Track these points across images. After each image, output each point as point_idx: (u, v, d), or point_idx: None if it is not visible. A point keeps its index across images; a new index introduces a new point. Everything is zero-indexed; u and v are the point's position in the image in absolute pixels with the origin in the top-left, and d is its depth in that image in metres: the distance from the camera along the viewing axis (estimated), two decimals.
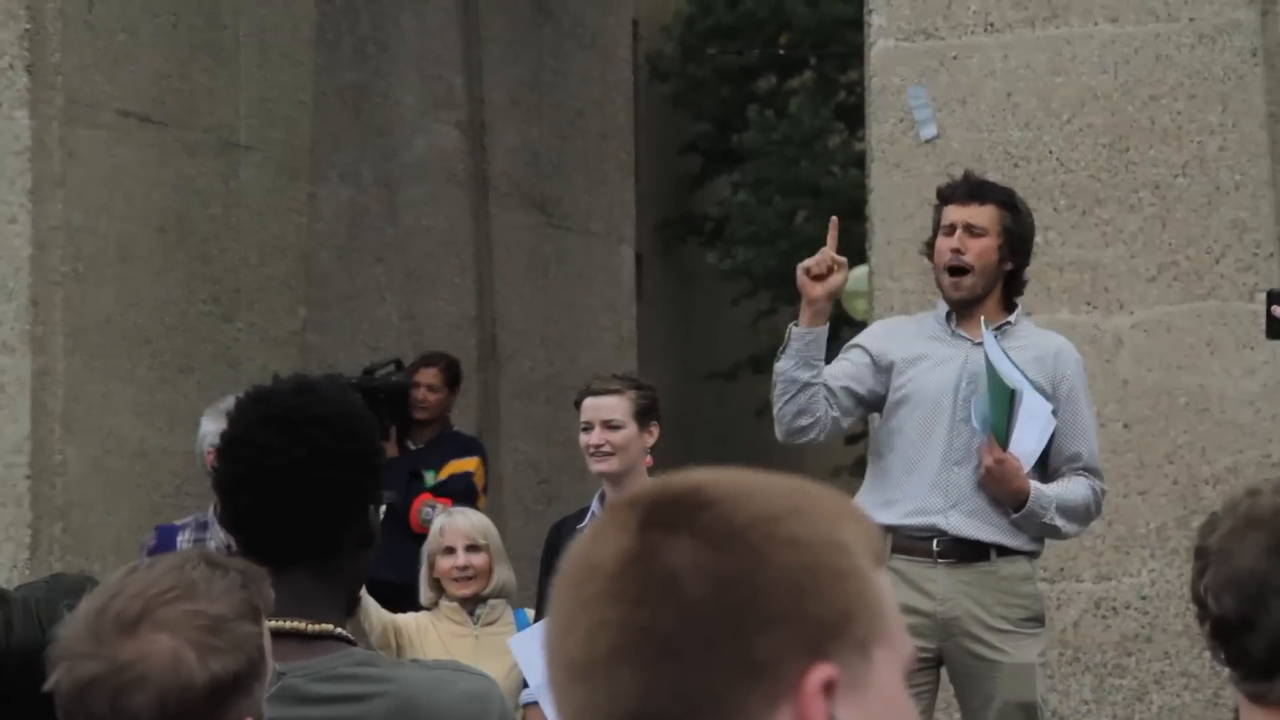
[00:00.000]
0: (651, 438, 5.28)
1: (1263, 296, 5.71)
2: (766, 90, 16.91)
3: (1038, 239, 5.85)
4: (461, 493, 7.10)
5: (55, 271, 6.73)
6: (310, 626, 2.25)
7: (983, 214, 4.77)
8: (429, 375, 7.56)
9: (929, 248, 4.86)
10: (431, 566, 5.61)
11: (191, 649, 1.84)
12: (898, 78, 5.95)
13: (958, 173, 5.86)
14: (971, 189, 4.83)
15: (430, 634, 5.55)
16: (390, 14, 9.23)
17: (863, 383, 4.81)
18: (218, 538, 5.54)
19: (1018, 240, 4.80)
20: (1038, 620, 4.74)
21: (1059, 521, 4.72)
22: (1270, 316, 4.80)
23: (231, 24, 7.59)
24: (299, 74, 8.02)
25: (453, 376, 7.63)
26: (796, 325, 4.77)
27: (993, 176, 5.88)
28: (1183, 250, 5.80)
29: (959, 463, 4.71)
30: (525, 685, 5.33)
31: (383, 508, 2.38)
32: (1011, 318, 4.81)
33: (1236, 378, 5.72)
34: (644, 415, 5.26)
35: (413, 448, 7.46)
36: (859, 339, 4.93)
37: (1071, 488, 4.76)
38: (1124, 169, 5.84)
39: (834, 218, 4.95)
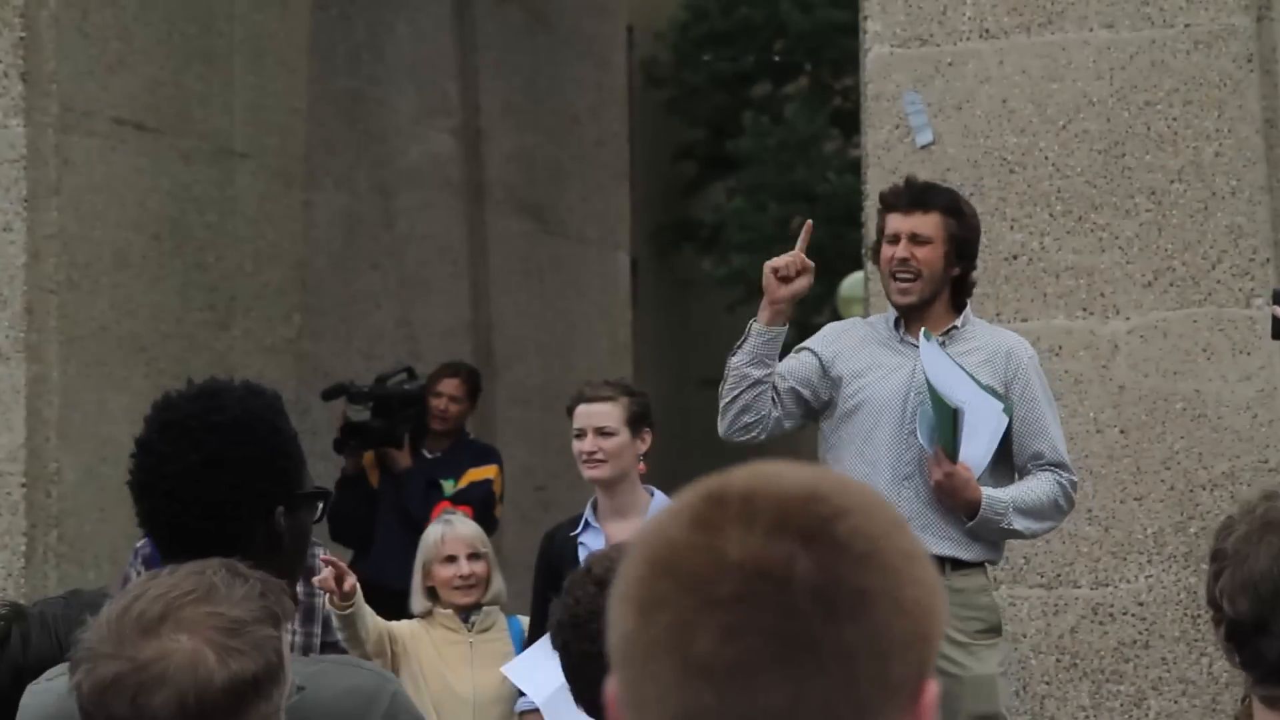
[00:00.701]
0: (644, 444, 5.28)
1: (1259, 302, 5.70)
2: (761, 96, 16.91)
3: (1033, 244, 5.85)
4: (481, 500, 7.03)
5: (50, 279, 6.72)
6: None
7: (927, 222, 4.74)
8: (451, 386, 7.44)
9: (874, 253, 4.85)
10: (427, 574, 5.59)
11: (211, 649, 1.85)
12: (893, 84, 5.95)
13: (954, 179, 5.87)
14: (914, 197, 4.78)
15: (424, 641, 5.54)
16: (385, 21, 9.23)
17: (810, 386, 4.80)
18: None
19: (963, 245, 4.77)
20: (995, 631, 4.73)
21: (1019, 524, 4.69)
22: (1274, 318, 4.79)
23: (226, 31, 7.59)
24: (294, 81, 8.01)
25: (474, 387, 7.55)
26: (756, 322, 4.77)
27: (988, 182, 5.89)
28: (1179, 256, 5.80)
29: (908, 477, 4.68)
30: (521, 693, 5.32)
31: (319, 509, 2.41)
32: (958, 320, 4.78)
33: (1233, 383, 5.72)
34: (636, 422, 5.25)
35: (428, 456, 7.37)
36: (810, 342, 4.89)
37: (1032, 486, 4.72)
38: (1120, 174, 5.84)
39: (808, 221, 4.94)
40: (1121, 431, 5.75)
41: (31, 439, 6.56)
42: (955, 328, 4.76)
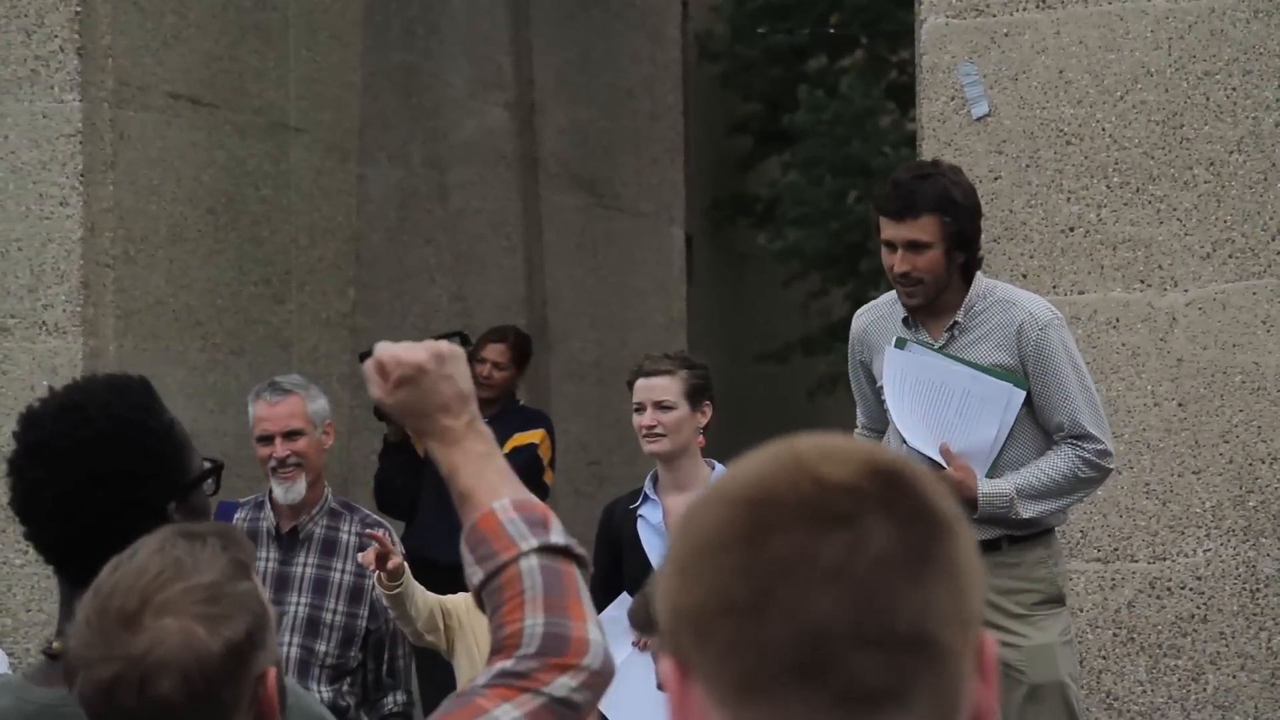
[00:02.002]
0: (705, 418, 5.25)
1: None
2: (817, 70, 16.84)
3: (1090, 216, 5.80)
4: (524, 466, 6.74)
5: (106, 254, 6.75)
6: None
7: (919, 228, 4.62)
8: (495, 351, 7.25)
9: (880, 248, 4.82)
10: None
11: (199, 624, 1.87)
12: (948, 55, 5.91)
13: (1010, 150, 5.82)
14: (904, 203, 4.62)
15: (479, 614, 5.53)
16: None
17: (876, 390, 4.84)
18: (270, 519, 5.54)
19: (962, 237, 4.66)
20: (1056, 601, 4.69)
21: (1031, 510, 4.61)
22: None
23: (280, 5, 7.60)
24: (348, 55, 8.02)
25: (521, 353, 7.31)
26: None
27: (1044, 154, 5.84)
28: (1238, 227, 5.74)
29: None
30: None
31: (214, 483, 2.38)
32: (960, 314, 4.67)
33: None
34: (696, 395, 5.23)
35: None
36: (850, 350, 4.94)
37: (1043, 465, 4.65)
38: (1178, 145, 5.78)
39: None
40: (1179, 404, 5.70)
41: None
42: (957, 322, 4.69)
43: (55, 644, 2.27)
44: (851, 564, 1.14)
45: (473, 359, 7.31)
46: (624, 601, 5.05)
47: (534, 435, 6.97)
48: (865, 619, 1.13)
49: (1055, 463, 4.65)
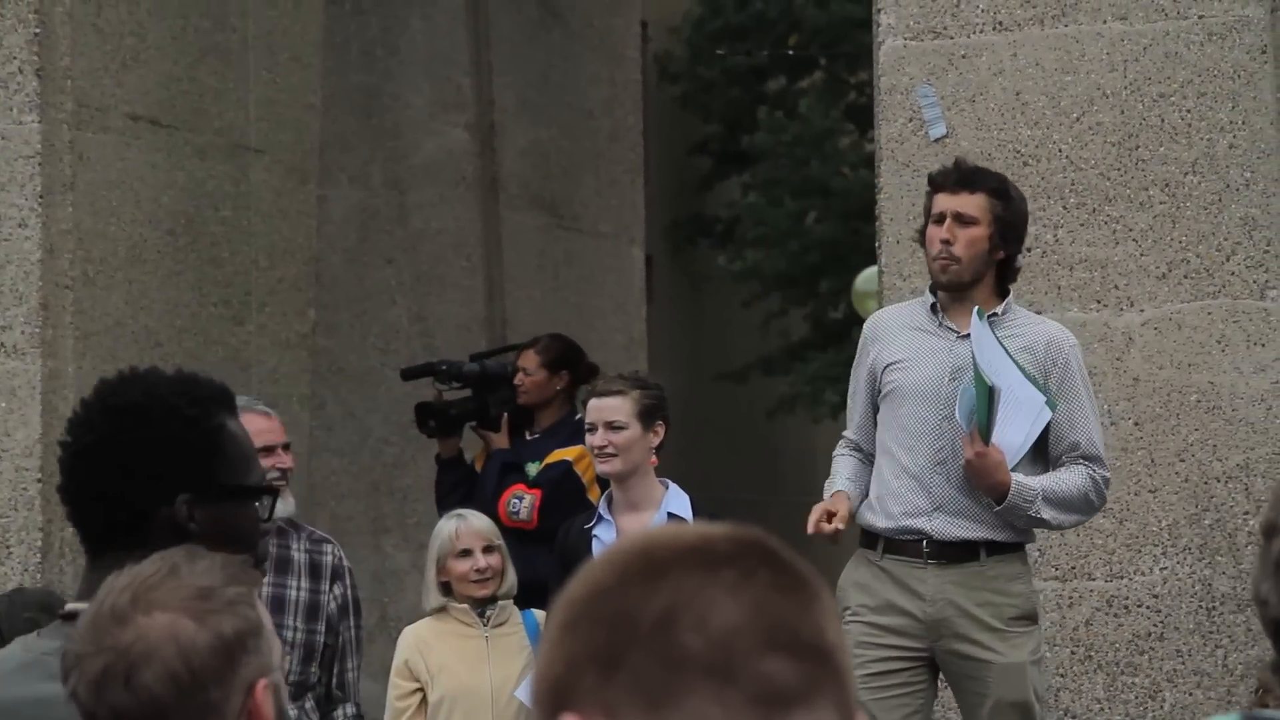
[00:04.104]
0: (658, 437, 5.28)
1: (1274, 294, 5.69)
2: (776, 91, 16.90)
3: (1047, 237, 5.85)
4: (552, 483, 6.59)
5: (65, 275, 6.74)
6: None
7: (973, 203, 4.72)
8: (526, 359, 7.05)
9: (920, 235, 4.85)
10: (441, 569, 5.60)
11: (187, 616, 1.89)
12: (906, 77, 5.95)
13: None
14: (962, 177, 4.78)
15: (431, 644, 5.54)
16: (399, 16, 9.24)
17: (875, 401, 4.84)
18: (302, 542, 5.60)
19: (1009, 228, 4.75)
20: (1029, 618, 4.72)
21: (1047, 514, 4.67)
22: None
23: (240, 27, 7.60)
24: (307, 77, 8.02)
25: (552, 358, 7.02)
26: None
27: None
28: (1193, 248, 5.79)
29: (942, 462, 4.68)
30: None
31: (264, 507, 2.37)
32: (999, 308, 4.77)
33: (1247, 375, 5.71)
34: (648, 415, 5.26)
35: (527, 438, 6.96)
36: (860, 352, 4.92)
37: (1064, 478, 4.71)
38: (1133, 167, 5.83)
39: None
40: (1136, 424, 5.75)
41: (47, 434, 6.58)
42: (996, 314, 4.75)
43: (69, 606, 2.29)
44: (749, 586, 1.18)
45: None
46: None
47: (570, 452, 6.65)
48: (772, 626, 1.17)
49: (1075, 478, 4.70)
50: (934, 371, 4.71)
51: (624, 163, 10.33)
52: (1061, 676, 5.72)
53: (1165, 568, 5.71)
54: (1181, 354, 5.75)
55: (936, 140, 5.91)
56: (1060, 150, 5.86)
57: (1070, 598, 5.74)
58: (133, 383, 2.35)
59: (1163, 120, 5.82)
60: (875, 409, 4.83)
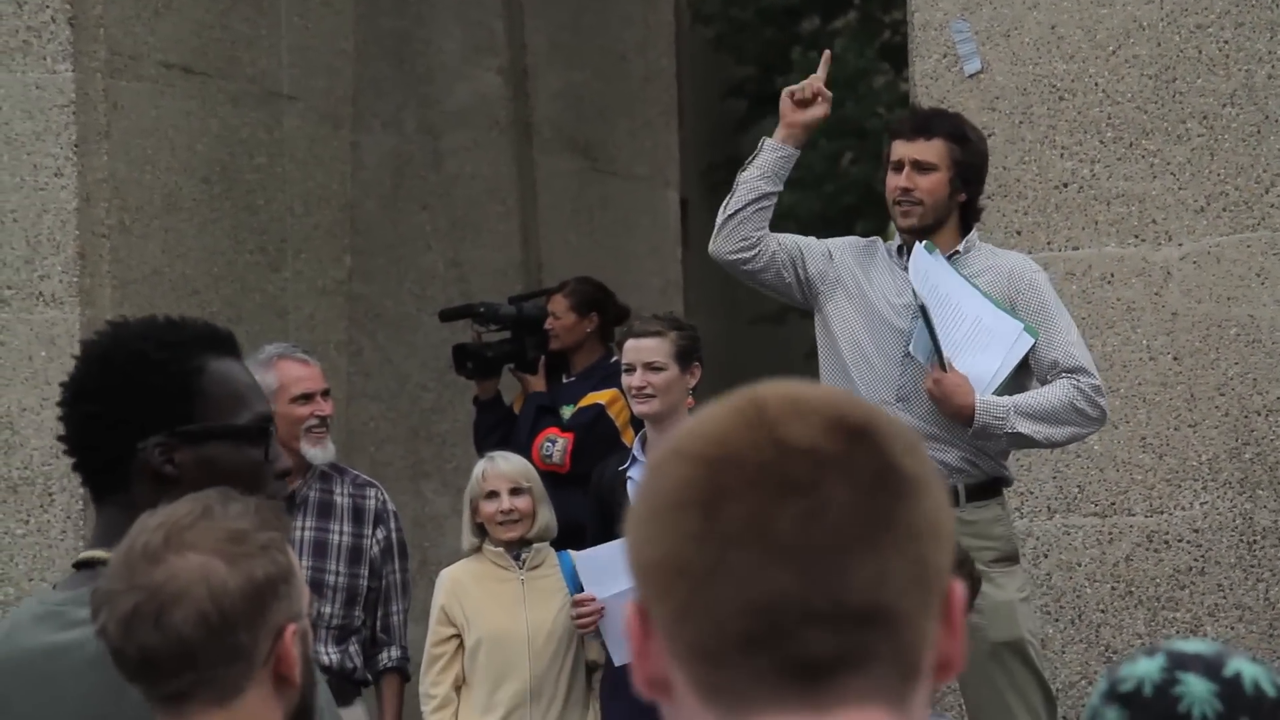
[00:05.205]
0: (694, 378, 5.29)
1: None
2: (810, 32, 16.81)
3: (1084, 172, 5.81)
4: (584, 427, 6.53)
5: (101, 224, 6.76)
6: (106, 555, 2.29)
7: (930, 149, 4.71)
8: (555, 303, 7.04)
9: (874, 184, 4.84)
10: (475, 511, 5.60)
11: (219, 558, 1.89)
12: (940, 12, 5.90)
13: (1003, 107, 5.83)
14: (917, 124, 4.79)
15: (467, 586, 5.55)
16: None
17: (811, 265, 4.79)
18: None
19: (969, 170, 4.74)
20: (1010, 559, 4.70)
21: (1026, 427, 4.61)
22: None
23: None
24: (340, 22, 8.01)
25: (580, 301, 6.99)
26: (769, 139, 4.80)
27: (1037, 110, 5.84)
28: (1231, 180, 5.75)
29: (904, 399, 4.65)
30: (577, 622, 5.35)
31: (260, 445, 2.34)
32: (960, 245, 4.75)
33: None
34: (685, 356, 5.26)
35: (564, 381, 6.93)
36: (826, 240, 4.91)
37: (1043, 391, 4.66)
38: (1171, 99, 5.78)
39: (827, 51, 5.01)
40: (1175, 358, 5.72)
41: None
42: (958, 252, 4.73)
43: (82, 554, 2.32)
44: (806, 535, 1.13)
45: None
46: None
47: (603, 395, 6.60)
48: (815, 594, 1.13)
49: (1054, 390, 4.67)
50: (892, 311, 4.69)
51: (658, 105, 10.29)
52: (1102, 612, 5.71)
53: (1205, 502, 5.69)
54: (1221, 287, 5.71)
55: (971, 76, 5.87)
56: (1096, 84, 5.82)
57: (1110, 533, 5.72)
58: (109, 333, 2.37)
59: (1200, 51, 5.76)
60: (797, 259, 4.80)
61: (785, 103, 4.76)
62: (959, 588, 1.18)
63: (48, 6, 6.68)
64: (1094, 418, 4.76)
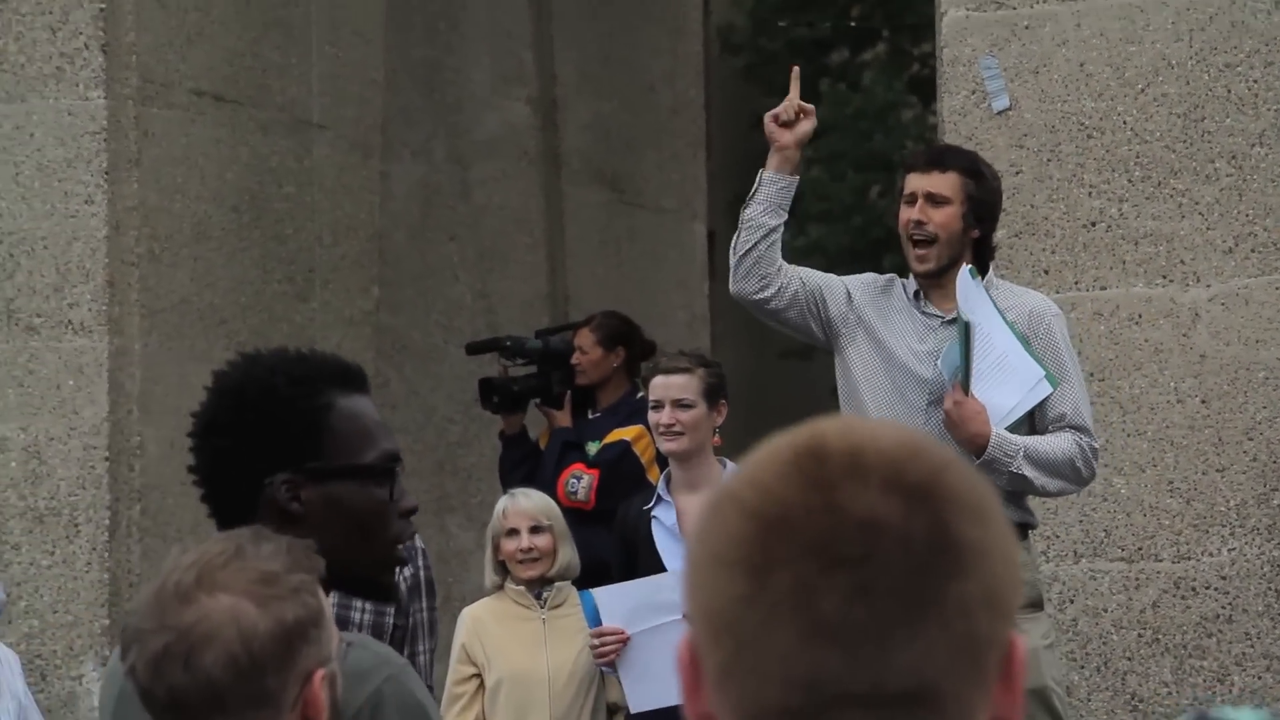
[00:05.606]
0: (720, 416, 5.27)
1: None
2: (839, 63, 16.81)
3: (1112, 211, 5.79)
4: (609, 464, 6.50)
5: (131, 252, 6.77)
6: None
7: (944, 182, 4.67)
8: (582, 336, 7.03)
9: (897, 219, 4.80)
10: (496, 549, 5.58)
11: (250, 600, 1.89)
12: (969, 48, 5.90)
13: (1031, 144, 5.81)
14: (932, 156, 4.76)
15: (487, 624, 5.53)
16: None
17: (834, 305, 4.75)
18: None
19: (982, 206, 4.69)
20: (1034, 605, 4.65)
21: (1029, 471, 4.56)
22: None
23: (302, 1, 7.61)
24: (370, 52, 8.03)
25: (607, 335, 6.97)
26: (765, 170, 4.78)
27: (1065, 148, 5.83)
28: (1260, 221, 5.72)
29: None
30: (598, 665, 5.32)
31: (387, 484, 2.34)
32: (983, 282, 4.71)
33: None
34: (713, 394, 5.25)
35: (590, 417, 6.91)
36: (845, 279, 4.87)
37: (1050, 440, 4.62)
38: (1199, 139, 5.77)
39: (795, 66, 4.98)
40: (1203, 401, 5.69)
41: (114, 412, 6.62)
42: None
43: None
44: (850, 613, 1.11)
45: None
46: (660, 579, 5.05)
47: (629, 431, 6.58)
48: (855, 676, 1.11)
49: (1061, 442, 4.63)
50: (912, 355, 4.65)
51: (686, 136, 10.30)
52: (1129, 660, 5.68)
53: (1234, 548, 5.65)
54: (1249, 330, 5.68)
55: (999, 112, 5.86)
56: (1125, 122, 5.80)
57: (1137, 579, 5.69)
58: (241, 364, 2.38)
59: (1229, 90, 5.75)
60: (818, 299, 4.76)
61: (770, 127, 4.75)
62: (1020, 644, 1.16)
63: (81, 33, 6.71)
64: (1085, 478, 4.75)
